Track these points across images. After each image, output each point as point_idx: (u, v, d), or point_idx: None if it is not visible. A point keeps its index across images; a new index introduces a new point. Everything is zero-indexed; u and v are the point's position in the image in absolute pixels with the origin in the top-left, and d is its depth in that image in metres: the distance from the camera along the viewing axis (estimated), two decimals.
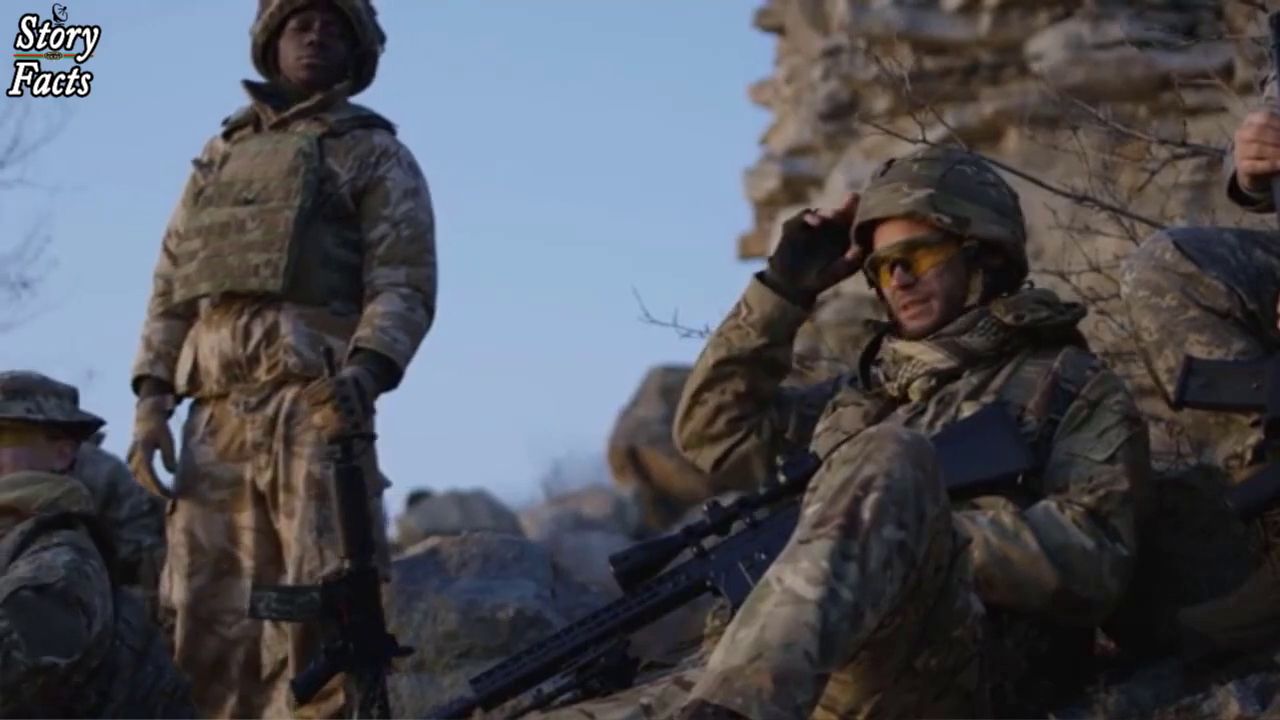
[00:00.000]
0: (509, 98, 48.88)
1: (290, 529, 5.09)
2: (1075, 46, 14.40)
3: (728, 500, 3.40)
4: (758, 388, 3.83)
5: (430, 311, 5.22)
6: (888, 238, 3.68)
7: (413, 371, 5.17)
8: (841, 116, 16.01)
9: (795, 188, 17.25)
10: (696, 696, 2.76)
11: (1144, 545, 3.43)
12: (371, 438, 4.95)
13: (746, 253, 19.05)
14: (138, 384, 5.33)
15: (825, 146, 16.61)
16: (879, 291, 3.76)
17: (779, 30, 18.32)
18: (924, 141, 4.33)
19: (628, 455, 15.89)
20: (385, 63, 5.40)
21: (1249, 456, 3.33)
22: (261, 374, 5.15)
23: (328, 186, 5.18)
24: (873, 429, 3.03)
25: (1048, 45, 14.79)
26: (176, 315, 5.33)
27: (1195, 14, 13.24)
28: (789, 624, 2.78)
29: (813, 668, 2.76)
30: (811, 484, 3.01)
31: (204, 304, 5.25)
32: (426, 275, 5.21)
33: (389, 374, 5.05)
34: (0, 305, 13.84)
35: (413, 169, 5.31)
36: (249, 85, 5.36)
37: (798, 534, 2.90)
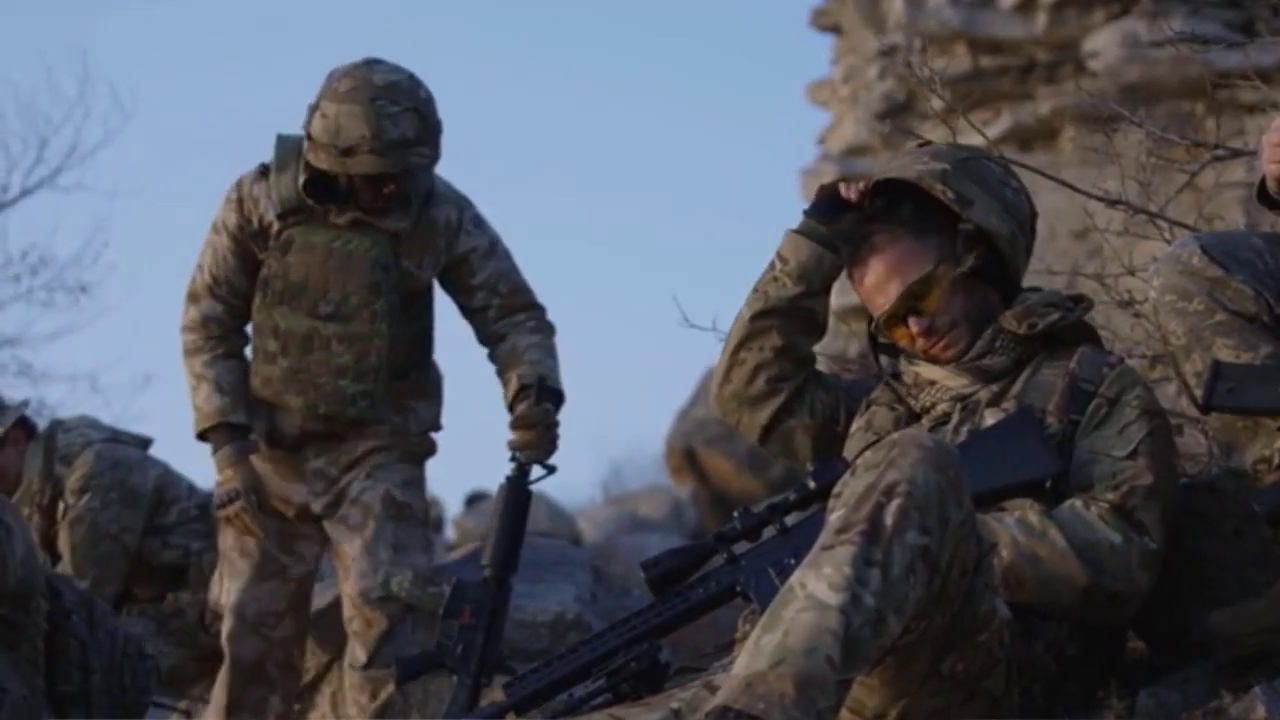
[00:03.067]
0: (567, 100, 48.92)
1: (350, 540, 5.23)
2: (1131, 44, 14.33)
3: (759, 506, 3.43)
4: (795, 343, 3.75)
5: (553, 327, 5.43)
6: (883, 290, 3.63)
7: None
8: (898, 115, 15.98)
9: None
10: (719, 702, 2.78)
11: (1174, 548, 3.42)
12: (553, 469, 5.14)
13: None
14: (205, 432, 5.35)
15: (882, 146, 16.58)
16: (896, 347, 3.73)
17: (835, 30, 18.30)
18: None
19: (685, 456, 15.87)
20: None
21: (1276, 460, 3.34)
22: (343, 431, 5.31)
23: (405, 284, 5.25)
24: (896, 435, 3.06)
25: (1104, 43, 14.73)
26: (235, 355, 5.37)
27: (1251, 11, 13.19)
28: (811, 630, 2.80)
29: (835, 673, 2.78)
30: (836, 490, 3.04)
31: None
32: (536, 304, 5.41)
33: (557, 403, 5.26)
34: (60, 309, 13.93)
35: (477, 223, 5.37)
36: (310, 188, 5.16)
37: (821, 540, 2.93)
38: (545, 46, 50.31)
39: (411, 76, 5.13)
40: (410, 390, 5.36)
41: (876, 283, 3.65)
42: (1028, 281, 3.77)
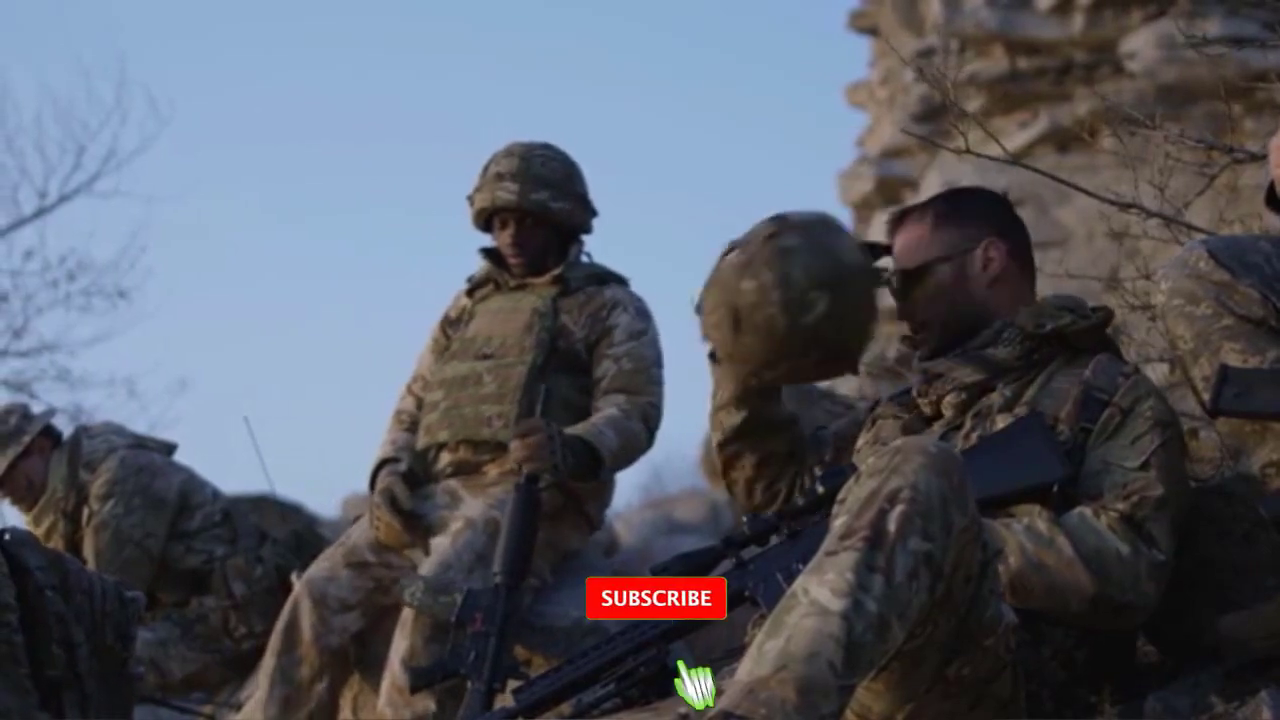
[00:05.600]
0: (609, 105, 48.90)
1: (441, 543, 5.28)
2: (1168, 45, 14.30)
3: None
4: (771, 450, 3.86)
5: (649, 431, 5.44)
6: (896, 255, 3.72)
7: None
8: (935, 118, 15.97)
9: (889, 189, 17.24)
10: (721, 707, 2.78)
11: (1186, 553, 3.42)
12: (557, 483, 5.15)
13: None
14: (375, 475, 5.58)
15: (919, 148, 16.57)
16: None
17: (873, 32, 18.31)
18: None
19: None
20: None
21: None
22: (485, 462, 5.43)
23: (561, 342, 5.47)
24: (900, 441, 3.06)
25: (1141, 44, 14.71)
26: (414, 430, 5.62)
27: None
28: (813, 635, 2.80)
29: (837, 679, 2.78)
30: (840, 496, 3.04)
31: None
32: (648, 402, 5.45)
33: (591, 459, 5.22)
34: (98, 314, 14.04)
35: (641, 314, 5.58)
36: (485, 252, 5.68)
37: (825, 546, 2.93)
38: (587, 50, 50.33)
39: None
40: None
41: (895, 252, 3.73)
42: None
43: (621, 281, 5.68)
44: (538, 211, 5.52)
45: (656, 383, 5.50)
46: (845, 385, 6.72)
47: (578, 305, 5.52)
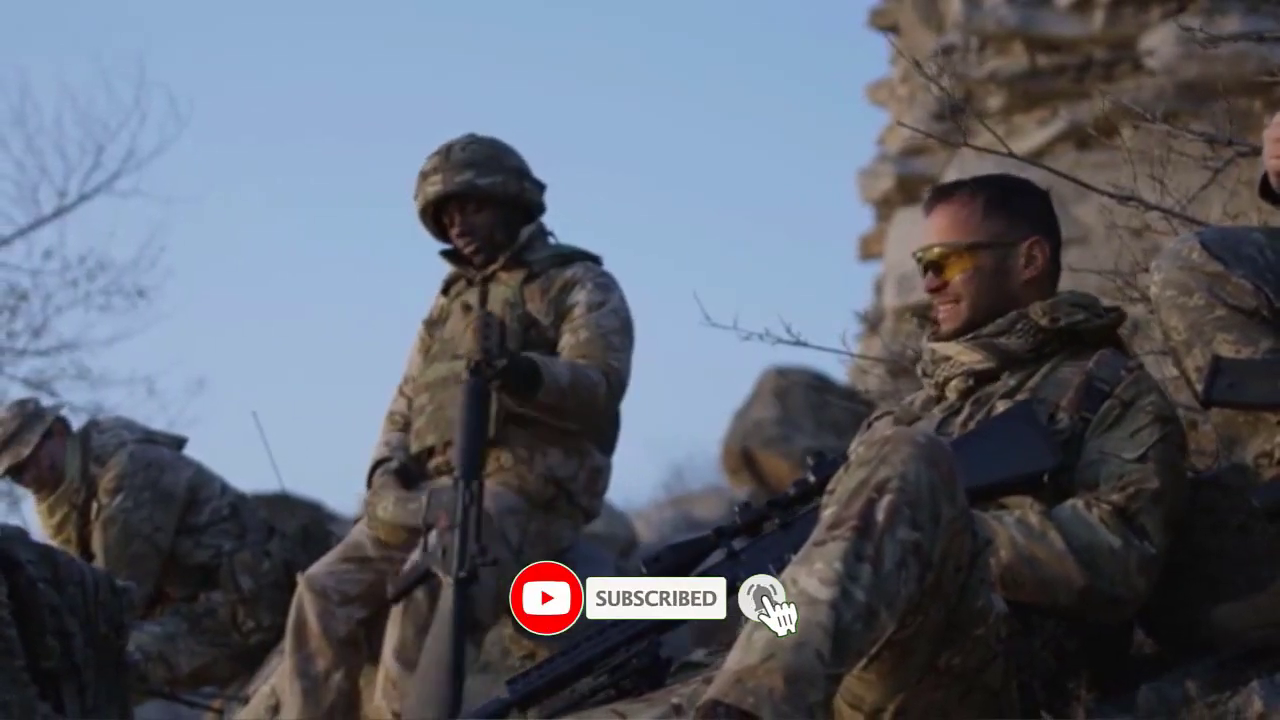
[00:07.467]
0: (623, 106, 48.90)
1: (434, 532, 5.26)
2: (1188, 42, 14.26)
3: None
4: None
5: (612, 389, 5.39)
6: (927, 235, 3.71)
7: None
8: (955, 115, 15.95)
9: (910, 187, 17.21)
10: (710, 696, 2.80)
11: (1182, 544, 3.43)
12: (498, 372, 5.08)
13: (867, 253, 19.02)
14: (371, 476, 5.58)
15: (939, 145, 16.53)
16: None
17: (893, 29, 18.27)
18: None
19: (742, 457, 15.82)
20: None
21: (1277, 455, 3.33)
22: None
23: (532, 332, 5.43)
24: (889, 431, 3.07)
25: (1160, 41, 14.68)
26: (407, 430, 5.63)
27: None
28: (801, 624, 2.81)
29: (825, 667, 2.80)
30: (829, 486, 3.06)
31: None
32: (607, 364, 5.39)
33: (531, 374, 5.19)
34: (117, 314, 14.09)
35: (600, 287, 5.50)
36: (446, 255, 5.66)
37: (813, 536, 2.95)
38: (600, 48, 50.36)
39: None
40: (544, 437, 5.40)
41: (933, 225, 3.71)
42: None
43: (590, 259, 5.61)
44: (470, 193, 5.47)
45: (617, 349, 5.43)
46: (862, 383, 6.71)
47: (540, 292, 5.48)
